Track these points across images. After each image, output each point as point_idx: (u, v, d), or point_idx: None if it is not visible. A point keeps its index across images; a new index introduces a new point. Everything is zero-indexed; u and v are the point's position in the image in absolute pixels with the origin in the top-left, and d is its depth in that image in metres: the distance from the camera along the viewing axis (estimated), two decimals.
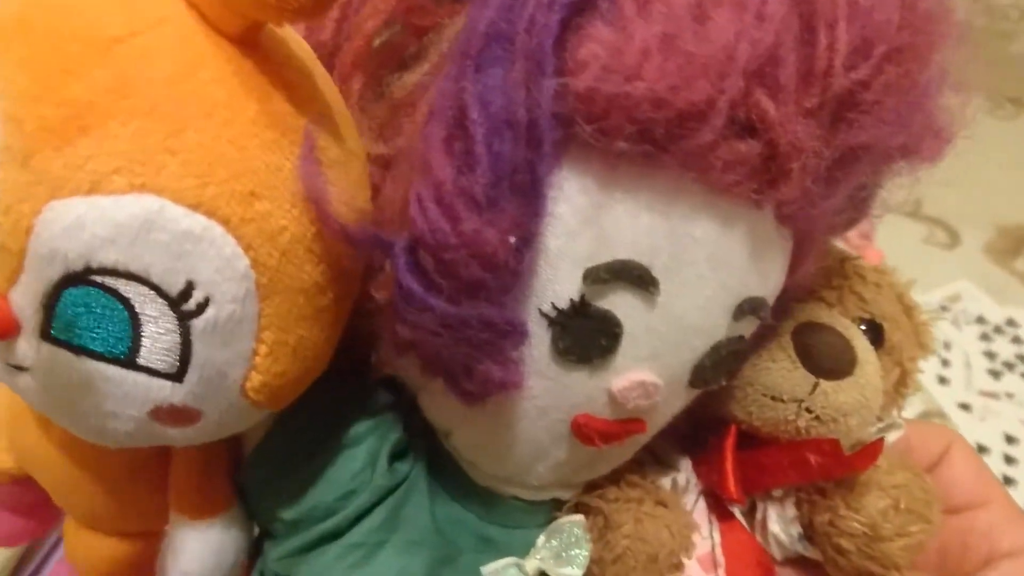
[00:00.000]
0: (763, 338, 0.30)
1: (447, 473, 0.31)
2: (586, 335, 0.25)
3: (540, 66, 0.21)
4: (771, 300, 0.28)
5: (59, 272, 0.21)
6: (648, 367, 0.26)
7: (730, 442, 0.32)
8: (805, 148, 0.22)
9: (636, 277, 0.24)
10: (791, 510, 0.32)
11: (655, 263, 0.24)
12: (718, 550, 0.32)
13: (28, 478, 0.33)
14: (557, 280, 0.24)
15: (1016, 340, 0.73)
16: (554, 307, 0.24)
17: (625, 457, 0.31)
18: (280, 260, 0.22)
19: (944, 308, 0.76)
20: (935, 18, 0.24)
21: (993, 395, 0.65)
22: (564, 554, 0.30)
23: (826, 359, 0.30)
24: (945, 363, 0.68)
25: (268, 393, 0.24)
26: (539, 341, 0.25)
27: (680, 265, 0.24)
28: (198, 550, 0.30)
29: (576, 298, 0.24)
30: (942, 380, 0.66)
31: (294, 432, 0.29)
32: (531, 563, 0.30)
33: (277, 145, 0.22)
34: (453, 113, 0.22)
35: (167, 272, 0.21)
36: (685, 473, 0.34)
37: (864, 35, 0.22)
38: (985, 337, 0.73)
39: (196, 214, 0.21)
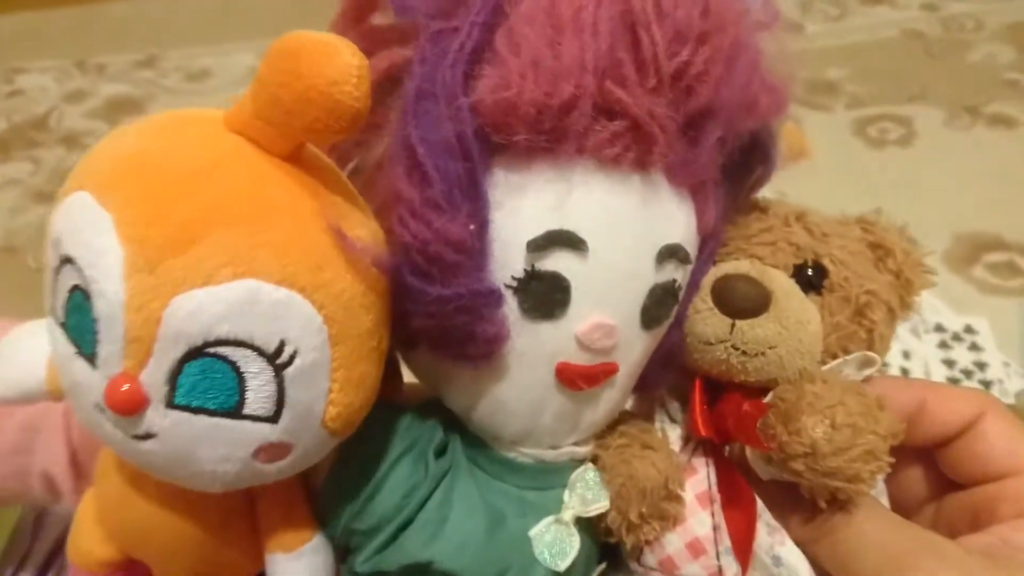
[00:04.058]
0: (691, 294, 0.37)
1: (482, 457, 0.38)
2: (543, 294, 0.32)
3: (456, 104, 0.31)
4: (689, 246, 0.35)
5: (182, 350, 0.27)
6: (601, 311, 0.33)
7: (697, 389, 0.37)
8: (657, 116, 0.31)
9: (566, 240, 0.32)
10: None
11: (579, 226, 0.32)
12: (714, 489, 0.39)
13: (128, 564, 0.38)
14: (511, 256, 0.32)
15: (974, 347, 0.73)
16: (513, 278, 0.32)
17: (616, 402, 0.38)
18: (344, 314, 0.29)
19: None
20: (728, 8, 0.33)
21: None
22: (589, 495, 0.37)
23: (736, 300, 0.35)
24: (905, 372, 0.70)
25: (342, 421, 0.31)
26: (511, 308, 0.33)
27: (598, 225, 0.32)
28: None
29: (528, 267, 0.32)
30: None
31: (356, 457, 0.36)
32: (567, 514, 0.37)
33: (330, 229, 0.29)
34: (406, 153, 0.31)
35: (266, 335, 0.28)
36: (684, 427, 0.40)
37: (676, 28, 0.31)
38: (944, 345, 0.73)
39: (282, 287, 0.28)
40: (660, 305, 0.35)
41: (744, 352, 0.35)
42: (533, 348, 0.34)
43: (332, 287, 0.29)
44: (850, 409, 0.31)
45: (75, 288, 0.28)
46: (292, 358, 0.28)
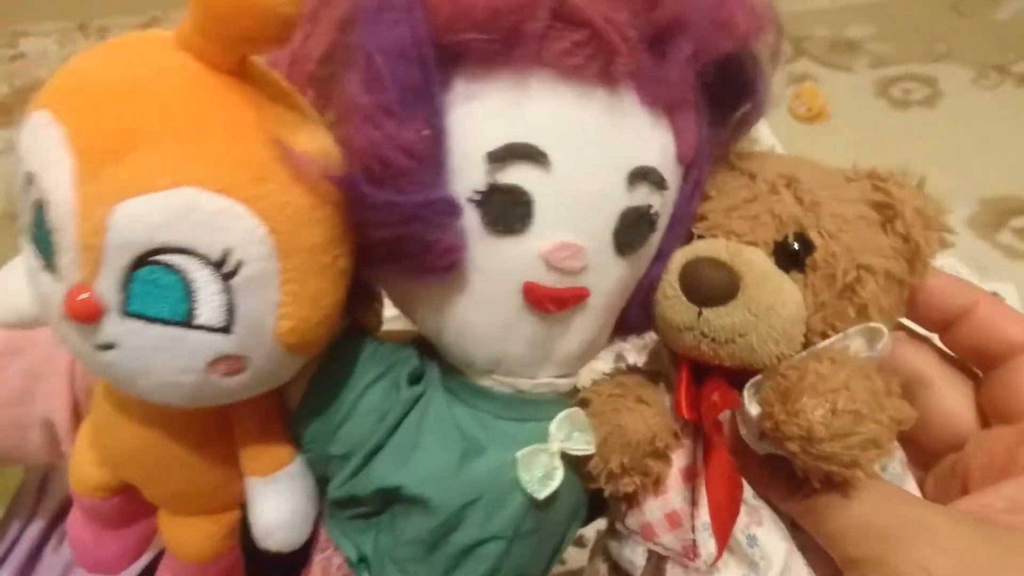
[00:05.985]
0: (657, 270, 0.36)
1: (458, 385, 0.38)
2: (504, 207, 0.32)
3: (409, 9, 0.30)
4: (666, 171, 0.34)
5: (129, 257, 0.28)
6: (568, 231, 0.33)
7: (684, 369, 0.37)
8: (617, 24, 0.30)
9: (526, 153, 0.31)
10: (753, 419, 0.34)
11: (539, 139, 0.31)
12: (699, 464, 0.37)
13: (123, 490, 0.40)
14: (471, 169, 0.32)
15: None
16: (475, 192, 0.32)
17: (591, 331, 0.36)
18: (291, 226, 0.29)
19: None
20: None
21: None
22: (576, 435, 0.36)
23: (701, 288, 0.34)
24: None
25: (297, 336, 0.31)
26: (473, 223, 0.33)
27: (559, 137, 0.32)
28: (275, 503, 0.37)
29: (491, 180, 0.32)
30: None
31: (328, 382, 0.37)
32: (553, 445, 0.36)
33: (272, 142, 0.29)
34: (362, 61, 0.31)
35: (208, 243, 0.28)
36: None
37: None
38: None
39: (222, 196, 0.28)
40: (634, 230, 0.34)
41: (713, 339, 0.34)
42: (497, 265, 0.34)
43: (274, 198, 0.29)
44: (854, 395, 0.30)
45: (37, 202, 0.29)
46: (238, 267, 0.29)
